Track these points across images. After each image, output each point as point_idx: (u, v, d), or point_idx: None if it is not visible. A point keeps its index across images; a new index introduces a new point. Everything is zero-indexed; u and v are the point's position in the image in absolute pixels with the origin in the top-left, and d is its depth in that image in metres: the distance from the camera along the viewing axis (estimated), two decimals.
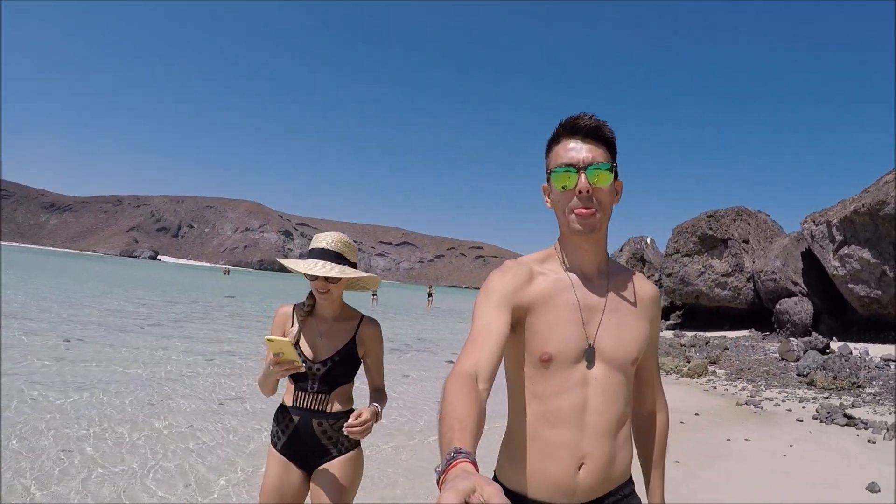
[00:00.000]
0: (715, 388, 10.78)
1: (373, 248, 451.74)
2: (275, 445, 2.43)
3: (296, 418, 2.38)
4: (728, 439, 6.74)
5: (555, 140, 1.49)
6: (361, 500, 2.73)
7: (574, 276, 1.50)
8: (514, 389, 1.51)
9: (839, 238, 17.97)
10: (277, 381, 2.38)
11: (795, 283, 20.09)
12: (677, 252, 22.98)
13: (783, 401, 9.31)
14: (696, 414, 8.17)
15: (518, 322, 1.44)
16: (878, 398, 9.55)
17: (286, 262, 2.49)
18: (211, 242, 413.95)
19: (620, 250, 28.20)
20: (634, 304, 1.55)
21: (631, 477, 1.57)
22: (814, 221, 19.46)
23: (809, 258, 20.16)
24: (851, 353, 14.70)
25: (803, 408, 8.74)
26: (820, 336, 16.72)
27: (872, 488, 5.04)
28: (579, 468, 1.43)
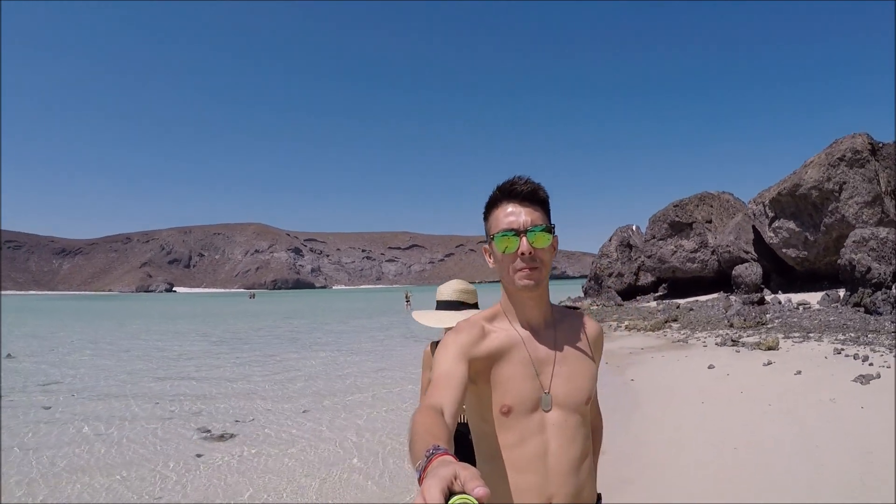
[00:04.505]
0: (666, 335, 15.85)
1: (382, 254, 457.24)
2: None
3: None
4: (652, 357, 11.86)
5: (493, 204, 1.62)
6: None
7: (523, 331, 1.61)
8: (480, 440, 1.61)
9: (771, 214, 23.05)
10: None
11: (747, 252, 25.12)
12: (654, 237, 28.09)
13: (706, 338, 14.33)
14: (642, 348, 13.34)
15: (477, 375, 1.54)
16: (771, 331, 14.58)
17: (420, 319, 2.93)
18: (223, 268, 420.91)
19: (610, 239, 33.16)
20: (582, 348, 1.66)
21: (599, 497, 1.70)
22: (755, 202, 24.58)
23: (757, 231, 25.20)
24: (780, 301, 19.71)
25: (714, 340, 13.77)
26: (769, 292, 21.77)
27: (710, 367, 10.15)
28: None
